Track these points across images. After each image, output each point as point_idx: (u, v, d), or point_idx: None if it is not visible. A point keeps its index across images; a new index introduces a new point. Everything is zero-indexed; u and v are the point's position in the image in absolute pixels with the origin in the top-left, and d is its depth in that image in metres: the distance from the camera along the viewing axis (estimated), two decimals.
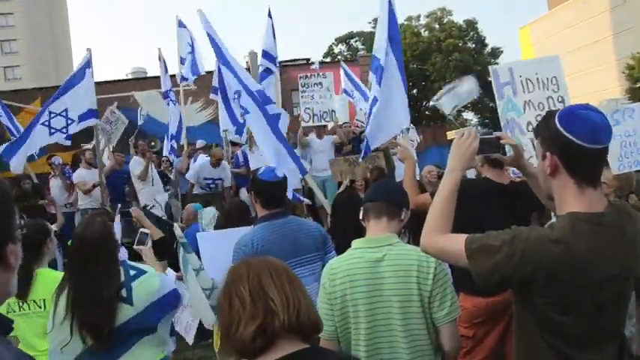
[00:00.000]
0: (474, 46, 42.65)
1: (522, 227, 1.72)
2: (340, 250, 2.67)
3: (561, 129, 1.66)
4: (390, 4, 5.73)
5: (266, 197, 3.26)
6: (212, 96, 10.03)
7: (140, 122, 10.42)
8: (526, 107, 4.16)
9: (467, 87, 3.15)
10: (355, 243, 2.42)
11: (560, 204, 1.74)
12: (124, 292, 2.60)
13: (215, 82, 10.01)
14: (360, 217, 2.51)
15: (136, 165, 8.54)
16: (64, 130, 6.95)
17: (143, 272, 2.77)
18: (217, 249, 3.26)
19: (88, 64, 7.13)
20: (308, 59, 19.20)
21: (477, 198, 3.12)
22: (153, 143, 8.91)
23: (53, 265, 3.85)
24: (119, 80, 23.03)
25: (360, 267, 2.29)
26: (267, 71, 9.20)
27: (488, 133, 2.15)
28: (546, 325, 1.71)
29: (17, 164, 6.86)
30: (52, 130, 6.89)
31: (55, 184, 8.87)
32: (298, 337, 1.47)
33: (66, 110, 6.91)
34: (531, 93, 4.21)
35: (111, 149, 9.32)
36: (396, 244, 2.33)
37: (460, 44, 41.20)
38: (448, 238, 1.82)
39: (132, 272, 2.72)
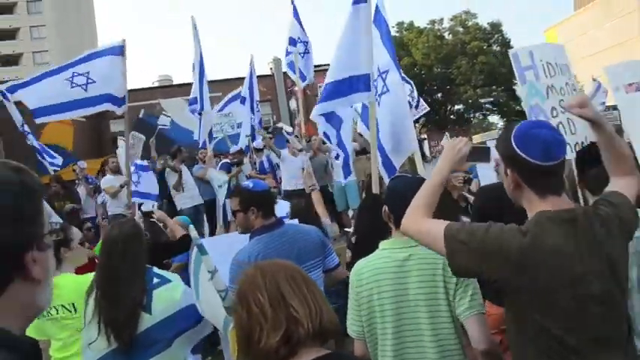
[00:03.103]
0: (499, 48, 42.17)
1: (499, 223, 1.80)
2: (366, 253, 2.66)
3: (517, 150, 1.77)
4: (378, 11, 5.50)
5: (267, 208, 3.16)
6: (241, 107, 10.07)
7: (165, 126, 10.53)
8: (549, 91, 3.96)
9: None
10: (382, 244, 2.43)
11: (529, 211, 1.84)
12: (144, 300, 2.57)
13: (245, 92, 10.07)
14: (385, 218, 2.49)
15: (170, 176, 8.90)
16: (84, 87, 6.92)
17: (167, 281, 2.73)
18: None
19: (121, 51, 7.03)
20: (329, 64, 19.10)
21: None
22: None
23: None
24: (145, 88, 23.41)
25: (387, 267, 2.31)
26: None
27: (482, 144, 2.17)
28: (536, 333, 1.72)
29: (28, 98, 6.71)
30: (73, 85, 6.88)
31: (80, 191, 9.11)
32: (318, 342, 1.47)
33: (88, 72, 6.92)
34: (553, 77, 4.04)
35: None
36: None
37: (485, 47, 40.79)
38: (430, 221, 1.93)
39: (155, 280, 2.68)
